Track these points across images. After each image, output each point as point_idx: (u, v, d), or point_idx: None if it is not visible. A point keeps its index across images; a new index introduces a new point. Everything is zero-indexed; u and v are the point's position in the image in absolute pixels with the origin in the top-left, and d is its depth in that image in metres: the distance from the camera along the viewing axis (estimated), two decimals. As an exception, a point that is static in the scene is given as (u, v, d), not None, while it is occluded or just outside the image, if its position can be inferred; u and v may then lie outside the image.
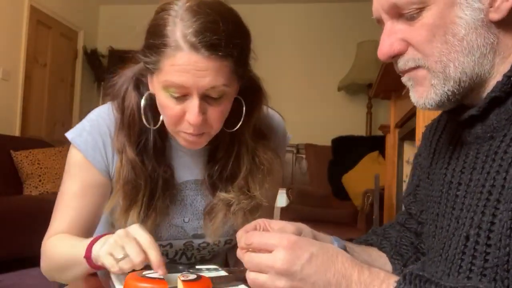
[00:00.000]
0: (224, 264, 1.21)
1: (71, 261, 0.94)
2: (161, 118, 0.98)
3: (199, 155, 1.07)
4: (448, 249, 0.70)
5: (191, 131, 0.92)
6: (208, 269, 0.94)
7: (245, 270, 0.69)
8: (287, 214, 3.62)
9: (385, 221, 2.83)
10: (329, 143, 4.74)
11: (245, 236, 0.69)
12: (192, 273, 0.81)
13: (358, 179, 4.12)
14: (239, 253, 0.71)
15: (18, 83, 4.70)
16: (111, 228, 1.01)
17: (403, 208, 0.98)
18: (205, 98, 0.90)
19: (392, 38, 0.70)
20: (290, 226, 0.81)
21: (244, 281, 0.81)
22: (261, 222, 0.80)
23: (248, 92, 1.00)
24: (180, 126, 0.93)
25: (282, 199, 4.14)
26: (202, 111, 0.90)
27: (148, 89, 0.99)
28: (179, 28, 0.86)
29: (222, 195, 1.04)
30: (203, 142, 0.98)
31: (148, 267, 0.80)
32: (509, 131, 0.65)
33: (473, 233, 0.64)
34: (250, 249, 0.68)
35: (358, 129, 5.16)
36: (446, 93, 0.68)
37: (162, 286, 0.74)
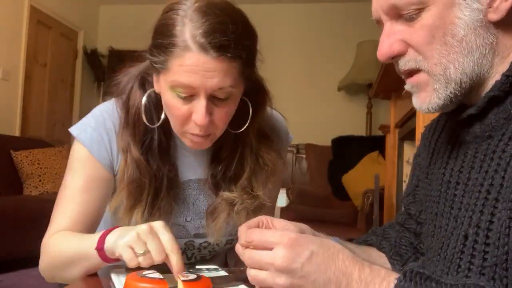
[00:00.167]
0: (224, 264, 1.21)
1: (77, 256, 0.93)
2: (162, 116, 0.98)
3: (203, 155, 1.07)
4: (447, 248, 0.70)
5: (197, 132, 0.92)
6: (208, 269, 0.95)
7: (245, 270, 0.69)
8: (287, 214, 3.62)
9: (385, 221, 2.83)
10: (329, 143, 4.74)
11: (246, 233, 0.69)
12: (192, 273, 0.81)
13: (358, 179, 4.12)
14: (239, 248, 0.71)
15: (18, 83, 4.70)
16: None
17: (403, 208, 0.98)
18: (212, 99, 0.90)
19: (391, 39, 0.70)
20: (292, 225, 0.81)
21: (244, 281, 0.81)
22: (264, 219, 0.80)
23: (252, 93, 1.00)
24: (187, 127, 0.93)
25: (282, 199, 4.14)
26: (209, 112, 0.90)
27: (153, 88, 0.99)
28: (188, 29, 0.86)
29: (226, 194, 1.04)
30: (209, 143, 0.98)
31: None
32: (507, 130, 0.65)
33: (472, 232, 0.64)
34: (250, 247, 0.68)
35: (358, 129, 5.16)
36: (449, 95, 0.68)
37: (162, 286, 0.74)
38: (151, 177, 1.00)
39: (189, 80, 0.86)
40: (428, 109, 0.71)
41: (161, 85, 0.93)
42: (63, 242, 0.97)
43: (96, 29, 6.19)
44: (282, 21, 5.66)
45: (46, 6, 5.08)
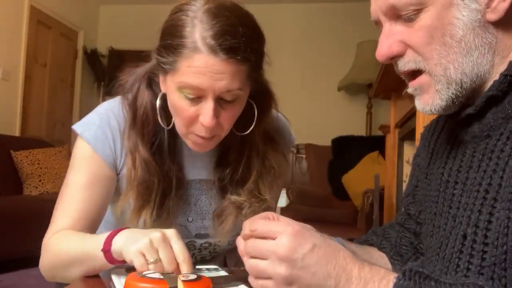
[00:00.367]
0: (224, 265, 1.21)
1: (80, 257, 0.92)
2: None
3: (208, 156, 1.07)
4: (446, 248, 0.70)
5: (203, 134, 0.93)
6: (208, 269, 0.95)
7: (245, 270, 0.69)
8: (287, 214, 3.61)
9: (385, 221, 2.83)
10: (329, 143, 4.74)
11: (250, 222, 0.69)
12: (192, 273, 0.81)
13: (358, 179, 4.12)
14: (240, 240, 0.71)
15: (18, 83, 4.70)
16: (113, 229, 1.01)
17: (403, 208, 0.98)
18: (219, 101, 0.90)
19: (390, 39, 0.70)
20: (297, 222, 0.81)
21: (244, 281, 0.82)
22: (270, 215, 0.80)
23: (258, 96, 1.00)
24: (192, 128, 0.93)
25: (282, 199, 4.14)
26: (216, 114, 0.90)
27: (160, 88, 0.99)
28: (198, 30, 0.86)
29: (233, 197, 1.04)
30: (212, 144, 0.98)
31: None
32: (505, 130, 0.65)
33: (470, 231, 0.64)
34: (253, 236, 0.68)
35: (358, 129, 5.16)
36: (451, 96, 0.69)
37: (162, 286, 0.74)
38: (160, 177, 1.00)
39: (198, 81, 0.86)
40: (430, 110, 0.71)
41: (168, 85, 0.93)
42: (65, 242, 0.97)
43: (96, 29, 6.19)
44: (282, 21, 5.66)
45: (46, 6, 5.08)
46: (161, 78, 0.96)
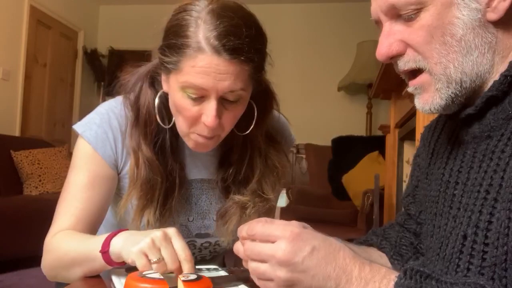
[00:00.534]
0: (222, 265, 1.21)
1: (81, 258, 0.92)
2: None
3: (209, 156, 1.08)
4: (446, 248, 0.70)
5: (205, 134, 0.93)
6: (208, 269, 0.95)
7: (245, 270, 0.69)
8: (287, 214, 3.62)
9: (385, 221, 2.83)
10: (329, 143, 4.74)
11: (248, 226, 0.69)
12: (192, 273, 0.81)
13: (358, 179, 4.12)
14: (238, 245, 0.71)
15: (18, 83, 4.70)
16: (113, 229, 1.01)
17: (403, 208, 0.98)
18: (222, 101, 0.90)
19: (390, 39, 0.70)
20: (295, 222, 0.81)
21: (244, 281, 0.82)
22: (263, 220, 0.79)
23: (260, 96, 1.01)
24: (194, 128, 0.93)
25: (282, 199, 4.13)
26: (219, 114, 0.90)
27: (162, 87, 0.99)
28: (202, 30, 0.86)
29: (237, 198, 1.04)
30: (213, 145, 0.98)
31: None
32: (506, 130, 0.65)
33: (471, 232, 0.64)
34: (252, 240, 0.68)
35: (358, 129, 5.16)
36: (450, 96, 0.69)
37: (162, 286, 0.74)
38: (163, 176, 1.00)
39: (201, 81, 0.87)
40: (430, 109, 0.71)
41: (171, 85, 0.93)
42: (66, 243, 0.97)
43: (96, 29, 6.19)
44: (282, 21, 5.65)
45: (46, 6, 5.08)
46: (163, 77, 0.96)
